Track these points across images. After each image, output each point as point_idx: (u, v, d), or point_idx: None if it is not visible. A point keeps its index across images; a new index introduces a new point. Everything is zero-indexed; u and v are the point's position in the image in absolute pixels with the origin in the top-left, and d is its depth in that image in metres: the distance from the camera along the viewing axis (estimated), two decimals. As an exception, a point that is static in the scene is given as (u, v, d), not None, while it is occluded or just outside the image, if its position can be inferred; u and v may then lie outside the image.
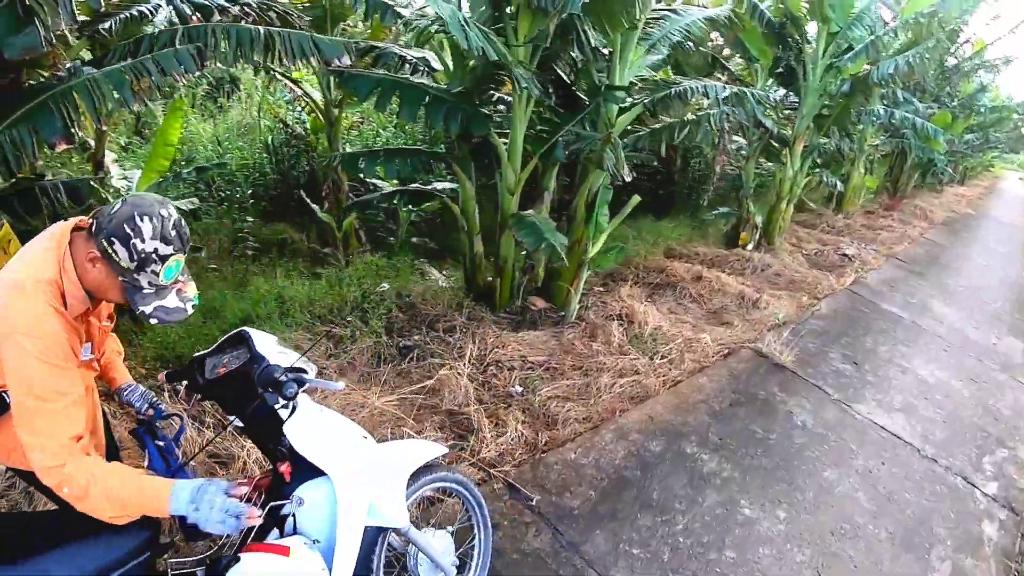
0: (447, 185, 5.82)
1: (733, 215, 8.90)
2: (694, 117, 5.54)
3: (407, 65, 5.45)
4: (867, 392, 5.14)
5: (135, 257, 1.59)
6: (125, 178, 6.29)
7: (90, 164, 5.82)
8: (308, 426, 2.05)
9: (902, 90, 9.16)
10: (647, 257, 7.39)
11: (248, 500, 1.79)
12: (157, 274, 1.64)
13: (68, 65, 3.52)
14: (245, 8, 4.21)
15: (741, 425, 4.36)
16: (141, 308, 1.67)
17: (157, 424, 2.23)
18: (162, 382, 2.55)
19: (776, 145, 8.63)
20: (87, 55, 4.17)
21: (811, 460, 4.13)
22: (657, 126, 5.73)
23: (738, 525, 3.45)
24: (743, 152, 9.05)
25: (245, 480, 1.71)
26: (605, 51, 5.16)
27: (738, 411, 4.52)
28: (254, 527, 1.87)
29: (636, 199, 5.36)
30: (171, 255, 1.64)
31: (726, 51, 9.02)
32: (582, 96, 5.38)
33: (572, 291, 5.58)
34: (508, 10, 4.55)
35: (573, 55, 5.09)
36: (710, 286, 6.74)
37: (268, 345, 2.10)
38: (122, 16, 3.85)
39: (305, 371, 2.06)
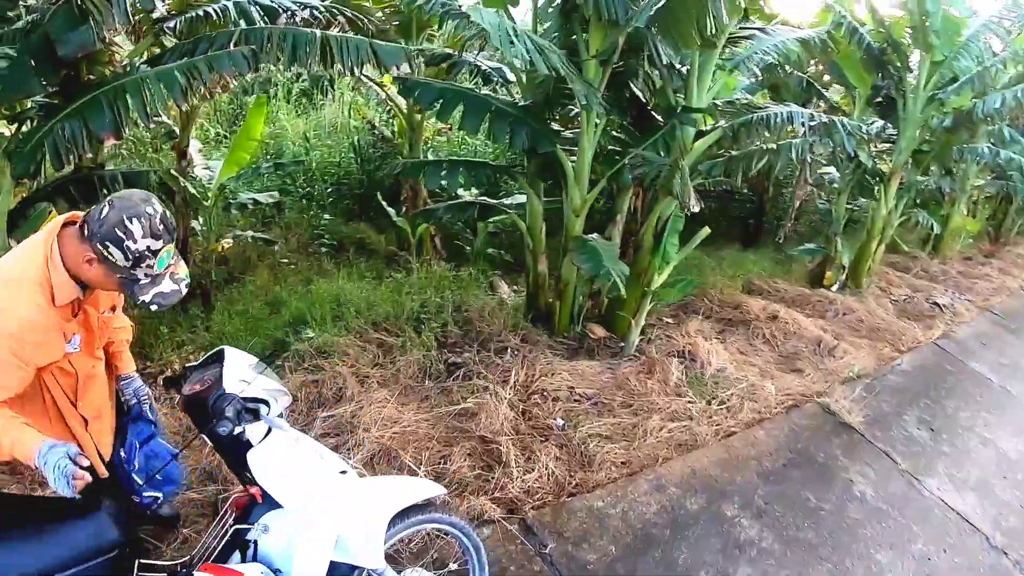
0: (521, 200, 5.54)
1: (820, 252, 8.11)
2: (774, 146, 5.01)
3: (481, 75, 5.23)
4: (940, 464, 4.45)
5: (130, 257, 1.67)
6: (208, 168, 6.36)
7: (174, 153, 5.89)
8: (275, 455, 1.99)
9: (1010, 127, 8.11)
10: (723, 290, 6.82)
11: (98, 481, 1.86)
12: (152, 266, 1.72)
13: (124, 63, 3.54)
14: (314, 12, 4.05)
15: (792, 490, 3.83)
16: (141, 298, 1.75)
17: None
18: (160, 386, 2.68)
19: (871, 180, 7.85)
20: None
21: (864, 539, 3.56)
22: (735, 153, 5.24)
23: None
24: (835, 185, 8.29)
25: (86, 457, 1.71)
26: (682, 69, 4.73)
27: (792, 473, 3.99)
28: (215, 547, 1.99)
29: (706, 231, 4.91)
30: (162, 247, 1.72)
31: (826, 77, 8.31)
32: (658, 117, 4.97)
33: (633, 322, 5.16)
34: (580, 25, 4.20)
35: (649, 72, 4.69)
36: (785, 328, 6.12)
37: (239, 370, 2.00)
38: (188, 16, 3.79)
39: (266, 402, 2.00)
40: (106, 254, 1.65)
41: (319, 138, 8.98)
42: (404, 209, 7.13)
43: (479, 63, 5.15)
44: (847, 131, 4.75)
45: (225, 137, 8.69)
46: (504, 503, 3.36)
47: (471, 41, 4.31)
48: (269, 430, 2.02)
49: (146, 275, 1.73)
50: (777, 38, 4.71)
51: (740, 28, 4.83)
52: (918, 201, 9.03)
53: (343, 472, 2.11)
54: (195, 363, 2.18)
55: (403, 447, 3.63)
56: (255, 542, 1.96)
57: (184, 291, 1.82)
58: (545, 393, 4.39)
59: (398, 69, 3.86)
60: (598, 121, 4.63)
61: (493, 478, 3.50)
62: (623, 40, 3.96)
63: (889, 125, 7.73)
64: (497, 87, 5.39)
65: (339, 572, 1.97)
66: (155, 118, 6.57)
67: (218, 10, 3.77)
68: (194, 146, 6.12)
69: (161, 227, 1.70)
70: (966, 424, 5.04)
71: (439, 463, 3.62)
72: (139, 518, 2.33)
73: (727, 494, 3.68)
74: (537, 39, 3.57)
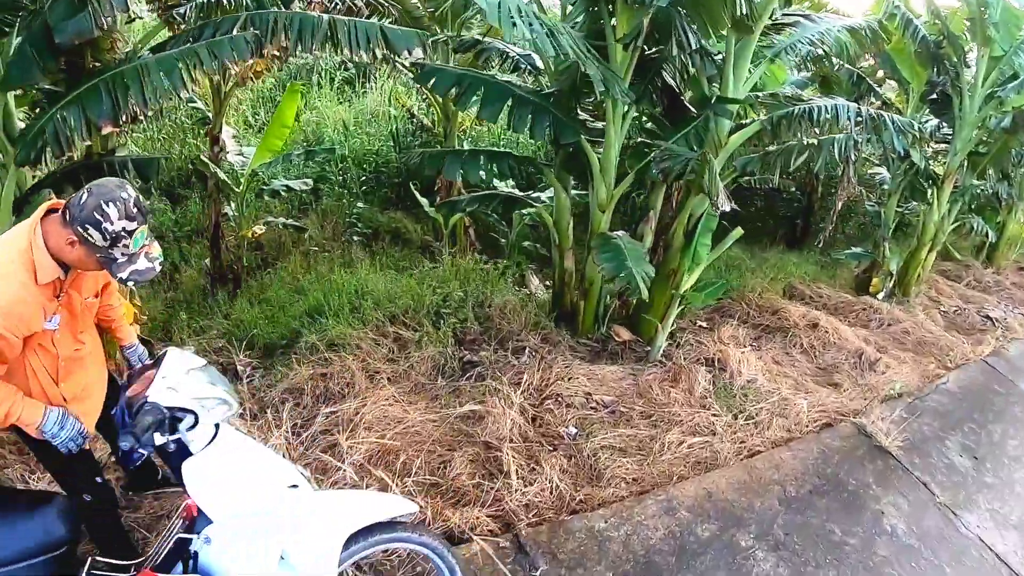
0: (550, 194, 5.18)
1: (867, 257, 7.48)
2: (815, 142, 4.50)
3: (510, 63, 4.88)
4: (981, 498, 3.91)
5: (107, 237, 1.78)
6: (241, 154, 6.20)
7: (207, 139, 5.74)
8: (213, 465, 1.88)
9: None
10: (762, 294, 6.30)
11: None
12: (128, 246, 1.82)
13: (127, 50, 3.39)
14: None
15: (817, 520, 3.38)
16: (119, 275, 1.86)
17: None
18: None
19: (923, 182, 7.18)
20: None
21: (890, 580, 3.11)
22: (772, 148, 4.75)
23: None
24: (885, 187, 7.62)
25: None
26: (718, 57, 4.28)
27: (817, 501, 3.53)
28: (158, 555, 1.98)
29: (738, 231, 4.46)
30: (136, 228, 1.82)
31: (879, 73, 7.65)
32: (691, 108, 4.53)
33: (660, 326, 4.76)
34: (607, 6, 3.80)
35: (684, 60, 4.25)
36: (825, 337, 5.59)
37: (176, 375, 1.89)
38: (199, 1, 3.59)
39: (194, 413, 1.85)
40: (86, 236, 1.77)
41: (359, 126, 8.75)
42: (438, 199, 6.84)
43: (508, 50, 4.79)
44: (897, 128, 4.25)
45: (266, 124, 8.56)
46: (499, 517, 3.06)
47: (483, 22, 3.96)
48: (214, 437, 1.92)
49: (123, 254, 1.83)
50: (823, 25, 4.22)
51: (784, 15, 4.34)
52: (973, 206, 8.34)
53: (294, 486, 1.98)
54: (149, 362, 2.12)
55: (403, 449, 3.36)
56: (196, 553, 1.89)
57: (158, 269, 1.93)
58: (560, 398, 4.07)
59: (410, 53, 3.56)
60: (625, 111, 4.23)
61: (493, 488, 3.19)
62: (647, 22, 3.54)
63: (944, 124, 7.12)
64: (525, 75, 5.03)
65: None
66: (190, 104, 6.52)
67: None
68: (227, 132, 5.97)
69: (135, 210, 1.81)
70: (1013, 453, 4.46)
71: (438, 468, 3.34)
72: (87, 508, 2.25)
73: (743, 521, 3.26)
74: (546, 20, 3.19)
